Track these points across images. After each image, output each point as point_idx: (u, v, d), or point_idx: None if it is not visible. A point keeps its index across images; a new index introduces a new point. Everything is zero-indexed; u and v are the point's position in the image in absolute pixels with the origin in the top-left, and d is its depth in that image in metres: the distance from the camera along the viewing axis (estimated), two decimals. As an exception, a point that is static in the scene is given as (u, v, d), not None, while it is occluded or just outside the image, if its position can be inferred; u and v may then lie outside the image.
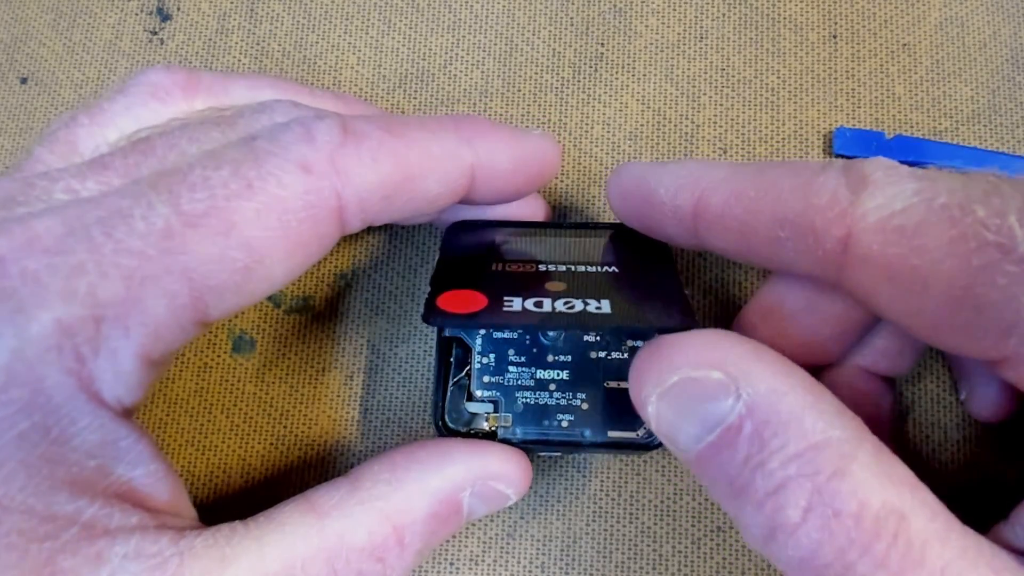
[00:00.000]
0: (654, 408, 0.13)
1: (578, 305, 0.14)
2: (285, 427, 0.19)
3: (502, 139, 0.16)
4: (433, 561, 0.18)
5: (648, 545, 0.18)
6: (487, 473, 0.16)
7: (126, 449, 0.13)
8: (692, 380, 0.13)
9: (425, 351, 0.19)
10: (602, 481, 0.18)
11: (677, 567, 0.18)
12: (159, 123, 0.16)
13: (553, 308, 0.14)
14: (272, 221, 0.13)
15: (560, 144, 0.19)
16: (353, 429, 0.19)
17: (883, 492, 0.11)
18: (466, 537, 0.18)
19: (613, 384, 0.17)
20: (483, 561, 0.18)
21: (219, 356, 0.20)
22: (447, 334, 0.17)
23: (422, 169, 0.15)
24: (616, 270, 0.17)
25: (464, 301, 0.15)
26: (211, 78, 0.17)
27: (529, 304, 0.15)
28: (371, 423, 0.19)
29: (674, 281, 0.16)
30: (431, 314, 0.14)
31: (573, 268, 0.17)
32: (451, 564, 0.18)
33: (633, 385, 0.14)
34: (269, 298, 0.20)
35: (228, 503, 0.19)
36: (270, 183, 0.13)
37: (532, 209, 0.19)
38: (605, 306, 0.14)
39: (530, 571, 0.18)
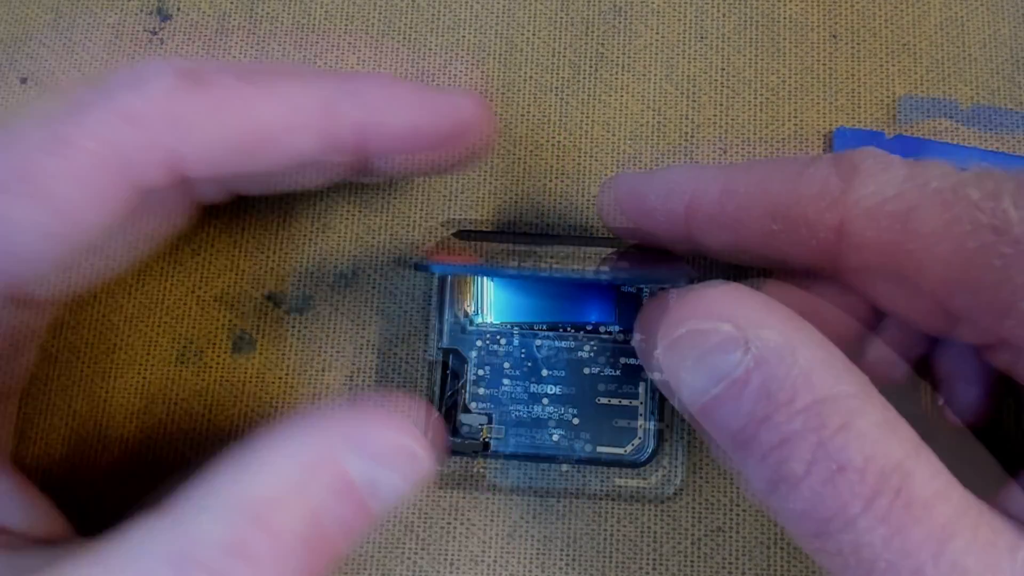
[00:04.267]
0: (659, 360, 0.13)
1: (577, 266, 0.15)
2: (285, 427, 0.19)
3: (400, 95, 0.14)
4: (432, 560, 0.18)
5: (648, 544, 0.18)
6: (373, 431, 0.13)
7: None
8: (699, 332, 0.12)
9: (425, 351, 0.19)
10: (602, 481, 0.18)
11: (678, 567, 0.18)
12: None
13: (551, 266, 0.14)
14: (89, 180, 0.12)
15: (486, 101, 0.16)
16: None
17: (888, 448, 0.11)
18: (466, 538, 0.18)
19: (604, 400, 0.17)
20: (483, 561, 0.18)
21: (219, 356, 0.20)
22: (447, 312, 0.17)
23: (286, 123, 0.13)
24: (617, 253, 0.17)
25: (456, 258, 0.15)
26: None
27: (526, 264, 0.15)
28: None
29: (680, 261, 0.16)
30: (422, 260, 0.14)
31: (574, 250, 0.17)
32: (451, 564, 0.18)
33: (638, 336, 0.14)
34: (269, 298, 0.20)
35: None
36: (86, 138, 0.12)
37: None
38: (605, 269, 0.15)
39: (530, 571, 0.18)
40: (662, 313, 0.13)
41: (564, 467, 0.17)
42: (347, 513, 0.13)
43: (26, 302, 0.12)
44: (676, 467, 0.17)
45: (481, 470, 0.17)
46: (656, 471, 0.17)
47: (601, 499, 0.17)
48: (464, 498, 0.18)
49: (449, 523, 0.18)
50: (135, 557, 0.12)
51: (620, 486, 0.17)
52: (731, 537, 0.18)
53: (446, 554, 0.18)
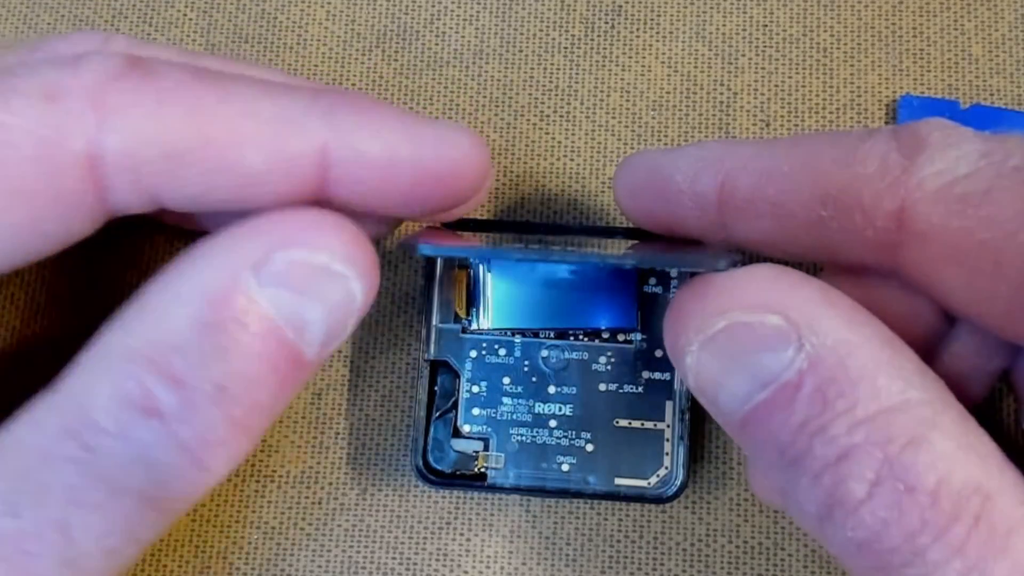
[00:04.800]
0: (693, 359, 0.12)
1: (591, 250, 0.14)
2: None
3: (384, 121, 0.12)
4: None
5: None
6: (279, 240, 0.11)
7: None
8: (744, 325, 0.11)
9: (408, 363, 0.18)
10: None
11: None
12: None
13: (563, 248, 0.13)
14: None
15: (487, 147, 0.14)
16: (322, 457, 0.18)
17: (966, 467, 0.10)
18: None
19: (624, 423, 0.16)
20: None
21: None
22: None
23: (237, 131, 0.11)
24: (640, 243, 0.16)
25: (451, 239, 0.14)
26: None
27: (533, 245, 0.13)
28: (344, 449, 0.18)
29: (716, 246, 0.15)
30: (410, 239, 0.12)
31: (589, 240, 0.16)
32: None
33: (669, 331, 0.12)
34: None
35: (171, 545, 0.17)
36: None
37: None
38: (630, 252, 0.14)
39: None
40: (697, 303, 0.12)
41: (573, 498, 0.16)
42: (269, 356, 0.11)
43: None
44: (677, 467, 0.16)
45: (480, 469, 0.16)
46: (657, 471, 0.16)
47: (601, 499, 0.16)
48: (464, 498, 0.17)
49: (449, 523, 0.17)
50: (26, 442, 0.11)
51: (620, 486, 0.16)
52: (733, 538, 0.17)
53: (446, 554, 0.18)
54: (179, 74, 0.11)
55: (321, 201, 0.12)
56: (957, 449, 0.10)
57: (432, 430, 0.16)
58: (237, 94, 0.12)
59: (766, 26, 0.19)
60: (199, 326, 0.11)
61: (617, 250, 0.14)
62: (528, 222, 0.18)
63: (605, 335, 0.16)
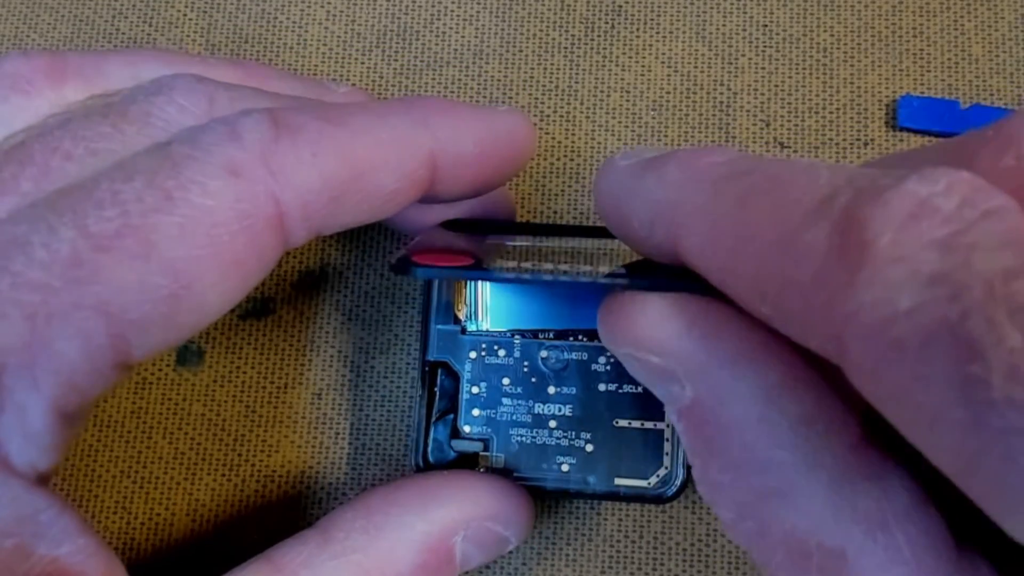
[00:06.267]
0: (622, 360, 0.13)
1: (584, 268, 0.13)
2: (240, 455, 0.17)
3: (464, 118, 0.14)
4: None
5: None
6: (480, 512, 0.15)
7: (47, 523, 0.12)
8: (635, 358, 0.12)
9: (408, 364, 0.18)
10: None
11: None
12: (32, 123, 0.14)
13: (556, 266, 0.13)
14: (199, 237, 0.12)
15: (534, 123, 0.17)
16: (322, 457, 0.17)
17: (822, 528, 0.10)
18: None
19: (624, 423, 0.16)
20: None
21: (160, 370, 0.18)
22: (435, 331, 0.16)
23: (373, 161, 0.13)
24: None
25: (445, 259, 0.13)
26: (79, 59, 0.15)
27: (525, 266, 0.13)
28: (344, 449, 0.18)
29: None
30: (404, 263, 0.13)
31: (584, 246, 0.15)
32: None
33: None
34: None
35: (171, 545, 0.17)
36: (193, 192, 0.12)
37: (495, 201, 0.17)
38: (618, 271, 0.13)
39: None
40: (608, 320, 0.12)
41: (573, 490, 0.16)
42: None
43: (128, 366, 0.12)
44: (677, 467, 0.16)
45: (481, 469, 0.16)
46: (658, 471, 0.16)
47: (601, 499, 0.16)
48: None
49: (447, 525, 0.17)
50: None
51: (620, 486, 0.16)
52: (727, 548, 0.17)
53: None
54: (313, 123, 0.13)
55: (427, 196, 0.15)
56: (818, 510, 0.10)
57: (432, 431, 0.16)
58: (359, 128, 0.13)
59: (766, 26, 0.19)
60: (416, 564, 0.14)
61: (614, 262, 0.14)
62: (528, 222, 0.18)
63: None
